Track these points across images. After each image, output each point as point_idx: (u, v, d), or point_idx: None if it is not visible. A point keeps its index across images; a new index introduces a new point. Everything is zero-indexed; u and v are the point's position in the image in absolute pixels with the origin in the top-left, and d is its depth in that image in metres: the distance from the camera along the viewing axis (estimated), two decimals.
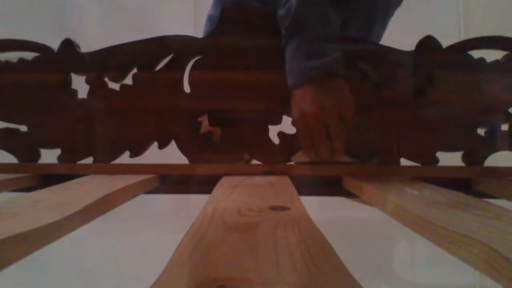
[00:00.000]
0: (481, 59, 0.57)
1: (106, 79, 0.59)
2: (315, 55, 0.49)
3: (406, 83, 0.57)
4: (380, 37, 0.67)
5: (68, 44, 0.59)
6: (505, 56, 0.57)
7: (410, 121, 0.57)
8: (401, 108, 0.57)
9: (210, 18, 0.72)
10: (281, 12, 0.52)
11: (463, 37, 1.39)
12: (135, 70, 0.58)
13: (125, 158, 0.59)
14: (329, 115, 0.50)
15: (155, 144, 0.59)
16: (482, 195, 0.51)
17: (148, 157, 0.59)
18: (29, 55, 0.59)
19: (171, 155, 0.58)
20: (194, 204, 0.46)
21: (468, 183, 0.56)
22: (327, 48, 0.50)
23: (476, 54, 0.57)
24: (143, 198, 0.51)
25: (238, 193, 0.41)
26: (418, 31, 0.67)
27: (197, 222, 0.28)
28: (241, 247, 0.22)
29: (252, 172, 0.56)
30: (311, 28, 0.50)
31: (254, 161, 0.59)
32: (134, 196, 0.48)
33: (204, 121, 0.63)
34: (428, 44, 0.57)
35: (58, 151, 0.59)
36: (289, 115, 0.57)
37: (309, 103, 0.49)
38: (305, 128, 0.52)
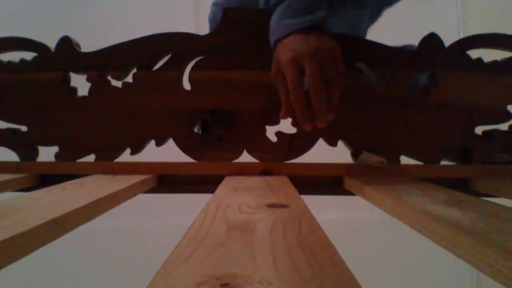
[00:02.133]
0: (480, 59, 0.57)
1: (109, 77, 0.59)
2: (306, 13, 0.48)
3: (408, 81, 0.57)
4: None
5: (66, 42, 0.59)
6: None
7: (412, 119, 0.57)
8: (403, 107, 0.57)
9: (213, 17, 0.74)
10: None
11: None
12: (135, 69, 0.59)
13: (125, 157, 0.59)
14: (324, 56, 0.46)
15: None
16: (481, 194, 0.52)
17: (149, 156, 0.59)
18: (31, 55, 0.59)
19: (173, 154, 0.58)
20: None
21: (467, 183, 0.56)
22: (315, 9, 0.49)
23: (475, 54, 0.57)
24: None
25: (239, 192, 0.41)
26: (416, 32, 0.67)
27: (199, 219, 0.28)
28: (242, 245, 0.22)
29: (251, 171, 0.56)
30: None
31: (252, 160, 0.59)
32: (134, 195, 0.48)
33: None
34: (431, 42, 0.57)
35: (56, 150, 0.59)
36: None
37: (303, 44, 0.46)
38: (298, 70, 0.46)
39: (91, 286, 1.57)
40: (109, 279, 1.54)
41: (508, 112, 0.57)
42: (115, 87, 0.59)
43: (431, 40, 0.57)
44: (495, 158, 0.57)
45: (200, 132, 0.57)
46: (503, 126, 0.58)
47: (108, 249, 1.57)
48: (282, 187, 0.45)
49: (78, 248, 1.48)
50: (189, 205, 0.60)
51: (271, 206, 0.33)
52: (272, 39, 0.51)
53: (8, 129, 0.60)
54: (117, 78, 0.59)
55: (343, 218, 1.54)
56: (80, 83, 0.60)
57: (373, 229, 1.50)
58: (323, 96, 0.46)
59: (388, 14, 0.71)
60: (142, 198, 0.52)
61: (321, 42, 0.47)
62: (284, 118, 0.50)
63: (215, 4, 0.78)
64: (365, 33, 0.72)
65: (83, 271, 1.58)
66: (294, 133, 0.58)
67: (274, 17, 0.52)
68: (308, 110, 0.47)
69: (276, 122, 0.58)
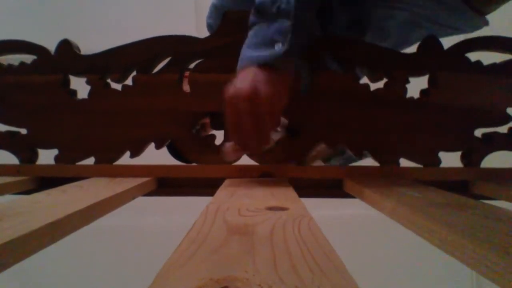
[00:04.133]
0: (479, 61, 0.57)
1: (108, 80, 0.59)
2: (267, 45, 0.48)
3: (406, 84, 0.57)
4: None
5: (66, 45, 0.59)
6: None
7: (411, 122, 0.57)
8: (402, 109, 0.57)
9: (209, 26, 0.73)
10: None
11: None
12: (135, 71, 0.59)
13: (125, 160, 0.59)
14: (260, 105, 0.46)
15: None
16: (481, 197, 0.52)
17: (149, 159, 0.59)
18: (31, 58, 0.59)
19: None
20: None
21: (467, 185, 0.56)
22: (278, 41, 0.47)
23: (474, 57, 0.57)
24: None
25: (239, 195, 0.41)
26: None
27: (198, 222, 0.28)
28: (241, 248, 0.22)
29: (251, 174, 0.56)
30: (273, 18, 0.48)
31: (252, 162, 0.59)
32: (134, 198, 0.48)
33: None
34: (430, 44, 0.57)
35: (56, 153, 0.59)
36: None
37: (246, 84, 0.45)
38: (234, 110, 0.47)
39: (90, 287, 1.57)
40: (108, 281, 1.54)
41: (507, 114, 0.57)
42: (115, 90, 0.59)
43: (430, 42, 0.57)
44: None
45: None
46: (503, 129, 0.58)
47: (108, 250, 1.57)
48: (281, 189, 0.45)
49: (78, 248, 1.48)
50: (189, 205, 0.60)
51: (271, 209, 0.33)
52: (237, 66, 0.50)
53: (8, 132, 0.60)
54: (117, 80, 0.59)
55: (342, 215, 1.54)
56: (80, 86, 0.60)
57: (372, 229, 1.50)
58: (252, 139, 0.48)
59: None
60: (143, 197, 0.52)
61: (266, 87, 0.46)
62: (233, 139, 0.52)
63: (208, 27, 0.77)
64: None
65: (81, 271, 1.58)
66: (294, 136, 0.57)
67: (244, 43, 0.51)
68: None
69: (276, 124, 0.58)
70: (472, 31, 0.62)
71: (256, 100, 0.45)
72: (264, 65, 0.47)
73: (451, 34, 0.63)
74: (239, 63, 0.50)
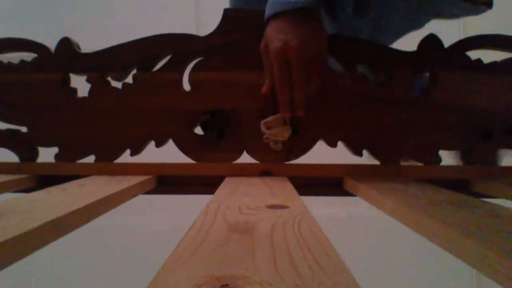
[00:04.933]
0: (479, 59, 0.57)
1: (108, 78, 0.59)
2: None
3: (408, 82, 0.57)
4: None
5: (66, 43, 0.59)
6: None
7: (411, 120, 0.57)
8: (402, 108, 0.57)
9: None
10: None
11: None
12: (135, 70, 0.59)
13: (125, 158, 0.59)
14: (310, 52, 0.49)
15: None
16: (481, 195, 0.52)
17: (149, 157, 0.59)
18: (31, 56, 0.59)
19: (173, 155, 0.58)
20: None
21: (467, 184, 0.56)
22: None
23: (475, 55, 0.57)
24: None
25: (239, 193, 0.41)
26: (416, 33, 0.67)
27: (199, 220, 0.28)
28: (242, 246, 0.22)
29: (251, 172, 0.56)
30: None
31: (252, 160, 0.59)
32: (134, 196, 0.48)
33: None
34: (430, 43, 0.57)
35: (56, 151, 0.59)
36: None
37: (292, 34, 0.48)
38: (283, 62, 0.49)
39: (91, 286, 1.57)
40: (109, 280, 1.54)
41: (507, 113, 0.57)
42: (115, 88, 0.59)
43: (431, 41, 0.57)
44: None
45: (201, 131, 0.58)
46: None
47: (108, 248, 1.57)
48: (282, 188, 0.45)
49: (79, 247, 1.48)
50: (190, 203, 0.60)
51: (271, 207, 0.33)
52: (265, 15, 0.52)
53: (8, 130, 0.60)
54: (117, 79, 0.59)
55: (343, 214, 1.54)
56: (80, 84, 0.60)
57: (372, 228, 1.50)
58: (304, 86, 0.50)
59: None
60: (143, 197, 0.52)
61: (310, 32, 0.49)
62: (265, 94, 0.54)
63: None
64: None
65: (82, 270, 1.58)
66: (294, 134, 0.57)
67: None
68: (290, 100, 0.51)
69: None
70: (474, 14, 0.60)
71: (305, 47, 0.48)
72: (301, 9, 0.48)
73: (447, 19, 0.63)
74: (270, 9, 0.51)
